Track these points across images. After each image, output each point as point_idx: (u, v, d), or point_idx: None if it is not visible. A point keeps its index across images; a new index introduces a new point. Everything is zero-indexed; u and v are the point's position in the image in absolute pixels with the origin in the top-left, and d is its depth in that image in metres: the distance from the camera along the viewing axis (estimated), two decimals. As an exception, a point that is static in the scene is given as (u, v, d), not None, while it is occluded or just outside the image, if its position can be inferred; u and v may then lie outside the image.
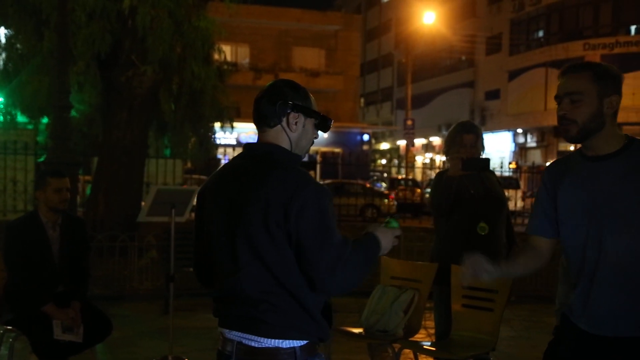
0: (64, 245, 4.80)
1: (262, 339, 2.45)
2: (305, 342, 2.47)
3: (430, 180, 23.75)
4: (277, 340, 2.44)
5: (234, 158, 2.69)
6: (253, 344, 2.46)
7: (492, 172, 4.91)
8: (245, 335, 2.48)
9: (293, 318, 2.45)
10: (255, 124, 2.64)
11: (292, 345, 2.45)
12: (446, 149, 4.87)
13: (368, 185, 24.61)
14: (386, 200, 23.24)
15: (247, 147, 2.66)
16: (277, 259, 2.42)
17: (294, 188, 2.42)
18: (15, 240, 4.68)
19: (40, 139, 14.38)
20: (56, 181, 4.75)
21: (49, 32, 10.68)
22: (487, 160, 4.61)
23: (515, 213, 22.85)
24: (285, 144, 2.60)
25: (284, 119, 2.58)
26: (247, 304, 2.46)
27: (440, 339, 4.97)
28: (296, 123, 2.60)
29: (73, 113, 9.98)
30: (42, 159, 9.15)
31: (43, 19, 10.90)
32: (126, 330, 6.82)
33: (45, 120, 13.94)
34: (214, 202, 2.59)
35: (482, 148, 4.81)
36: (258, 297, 2.44)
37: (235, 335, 2.51)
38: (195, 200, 2.86)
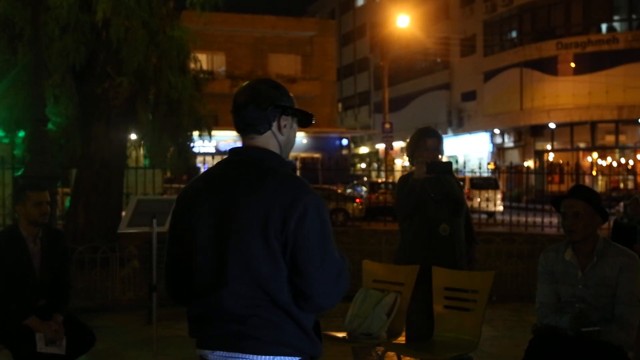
0: (45, 259, 4.78)
1: (250, 356, 2.28)
2: (297, 358, 2.32)
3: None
4: (266, 357, 2.28)
5: (219, 165, 2.48)
6: None
7: (453, 175, 5.18)
8: (231, 354, 2.30)
9: (286, 334, 2.29)
10: (240, 131, 2.45)
11: None
12: (410, 153, 5.09)
13: (340, 190, 24.68)
14: (354, 204, 23.38)
15: (234, 152, 2.46)
16: (271, 272, 2.26)
17: (294, 196, 2.27)
18: (-4, 255, 4.66)
19: (17, 152, 14.25)
20: (36, 195, 4.74)
21: (23, 46, 10.62)
22: (450, 164, 4.95)
23: (494, 213, 23.05)
24: (275, 148, 2.44)
25: (275, 124, 2.43)
26: (233, 320, 2.27)
27: (413, 339, 5.02)
28: (285, 126, 2.46)
29: (50, 126, 9.92)
30: (19, 173, 9.08)
31: (16, 32, 10.85)
32: (110, 341, 6.79)
33: (21, 133, 13.81)
34: (198, 211, 2.37)
35: (442, 152, 5.08)
36: (245, 313, 2.26)
37: (219, 355, 2.33)
38: None
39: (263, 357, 2.28)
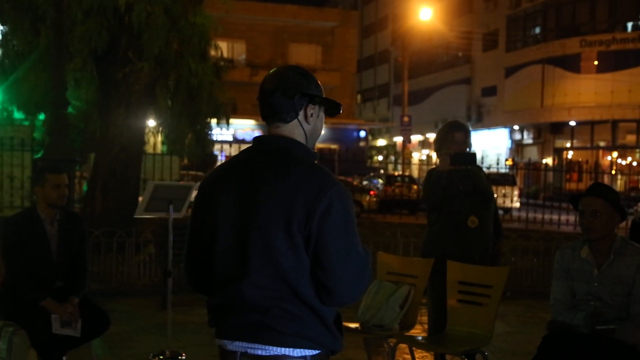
0: (62, 241, 4.82)
1: (270, 348, 2.25)
2: (316, 351, 2.29)
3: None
4: (285, 349, 2.25)
5: (243, 153, 2.42)
6: (259, 352, 2.26)
7: (480, 168, 5.21)
8: (250, 345, 2.27)
9: (307, 327, 2.26)
10: (266, 119, 2.39)
11: (303, 354, 2.27)
12: (437, 147, 5.07)
13: (355, 182, 24.65)
14: (368, 197, 23.34)
15: (259, 141, 2.40)
16: (293, 264, 2.22)
17: (319, 187, 2.22)
18: (14, 235, 4.71)
19: (37, 135, 14.37)
20: (54, 177, 4.77)
21: (46, 29, 10.67)
22: (474, 155, 4.91)
23: (511, 209, 22.94)
24: (301, 138, 2.37)
25: (301, 112, 2.37)
26: (255, 310, 2.24)
27: (433, 331, 5.03)
28: (312, 115, 2.39)
29: (70, 109, 10.00)
30: (38, 156, 9.15)
31: (39, 15, 10.89)
32: (124, 325, 6.85)
33: (42, 116, 13.96)
34: (221, 200, 2.32)
35: (470, 146, 5.04)
36: (267, 304, 2.23)
37: (238, 346, 2.30)
38: (193, 196, 2.59)
39: (283, 348, 2.25)
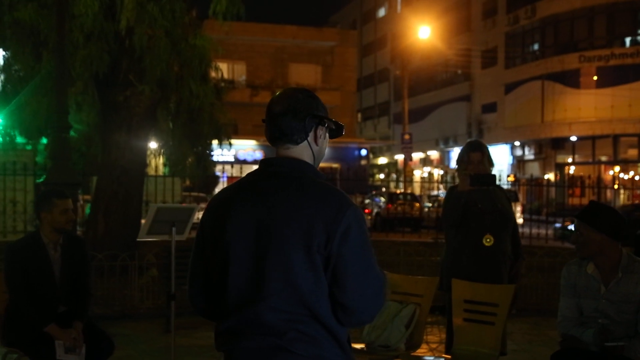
0: (65, 266, 4.80)
1: None
2: None
3: (429, 194, 23.79)
4: None
5: (252, 175, 2.41)
6: None
7: (501, 189, 5.33)
8: None
9: (324, 349, 2.24)
10: (275, 140, 2.38)
11: None
12: (457, 167, 5.22)
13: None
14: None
15: (268, 163, 2.38)
16: (313, 286, 2.21)
17: (338, 208, 2.22)
18: (17, 261, 4.68)
19: (39, 159, 14.41)
20: (62, 202, 4.75)
21: (47, 53, 10.72)
22: (493, 177, 4.99)
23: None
24: (309, 159, 2.38)
25: (311, 134, 2.38)
26: (272, 333, 2.22)
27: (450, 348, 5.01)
28: (320, 136, 2.40)
29: (72, 133, 10.01)
30: (41, 180, 9.16)
31: (41, 40, 10.95)
32: (128, 349, 6.81)
33: (44, 140, 13.97)
34: (235, 221, 2.29)
35: (492, 164, 5.17)
36: (285, 327, 2.21)
37: None
38: (196, 218, 2.62)
39: None
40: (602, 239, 3.87)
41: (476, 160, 5.06)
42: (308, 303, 2.22)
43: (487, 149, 5.22)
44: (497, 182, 5.18)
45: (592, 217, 3.91)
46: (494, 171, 5.25)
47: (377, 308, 2.31)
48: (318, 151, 2.42)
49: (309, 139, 2.38)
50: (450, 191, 5.29)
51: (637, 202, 26.90)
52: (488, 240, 4.97)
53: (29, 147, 14.93)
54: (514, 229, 5.21)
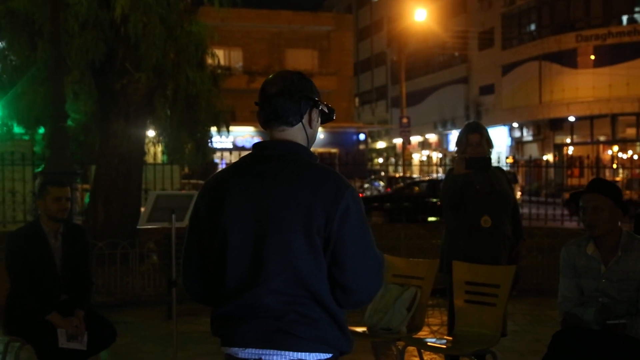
0: (66, 254, 4.81)
1: (286, 353, 2.22)
2: (330, 355, 2.28)
3: (429, 177, 23.79)
4: (302, 353, 2.23)
5: (246, 159, 2.38)
6: (275, 357, 2.23)
7: (501, 170, 5.35)
8: (264, 351, 2.24)
9: (324, 331, 2.25)
10: (269, 122, 2.36)
11: (318, 359, 2.25)
12: (457, 149, 5.22)
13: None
14: None
15: (262, 146, 2.36)
16: (312, 267, 2.21)
17: (336, 189, 2.23)
18: (18, 250, 4.69)
19: (37, 149, 14.38)
20: (56, 190, 4.76)
21: (43, 43, 10.68)
22: (489, 159, 5.00)
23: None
24: (303, 141, 2.38)
25: (305, 116, 2.37)
26: (271, 316, 2.22)
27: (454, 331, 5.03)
28: (314, 119, 2.40)
29: (69, 122, 9.99)
30: (39, 169, 9.15)
31: (36, 29, 10.90)
32: (130, 336, 6.83)
33: (41, 130, 13.96)
34: (232, 205, 2.28)
35: (491, 146, 5.16)
36: (284, 309, 2.21)
37: (251, 353, 2.26)
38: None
39: (299, 353, 2.23)
40: (612, 205, 3.85)
41: (475, 142, 5.05)
42: (308, 285, 2.22)
43: (485, 130, 5.21)
44: (497, 164, 5.20)
45: (600, 186, 3.92)
46: (494, 152, 5.24)
47: (376, 288, 2.32)
48: (312, 134, 2.41)
49: (303, 121, 2.36)
50: (448, 174, 5.30)
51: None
52: (486, 221, 4.97)
53: (26, 137, 14.91)
54: (514, 210, 5.20)
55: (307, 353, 2.24)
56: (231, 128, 14.73)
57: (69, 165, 8.93)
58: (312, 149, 2.43)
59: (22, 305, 4.65)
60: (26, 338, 4.68)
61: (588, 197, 3.91)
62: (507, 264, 5.02)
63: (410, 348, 5.22)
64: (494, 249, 5.02)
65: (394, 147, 52.12)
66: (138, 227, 6.23)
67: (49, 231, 4.78)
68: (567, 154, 36.28)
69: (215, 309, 2.36)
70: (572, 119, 36.04)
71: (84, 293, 4.85)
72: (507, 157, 32.11)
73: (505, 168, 23.49)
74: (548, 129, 37.82)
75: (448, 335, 5.13)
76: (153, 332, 7.18)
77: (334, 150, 36.45)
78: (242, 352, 2.28)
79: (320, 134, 43.21)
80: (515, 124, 40.03)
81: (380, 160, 54.27)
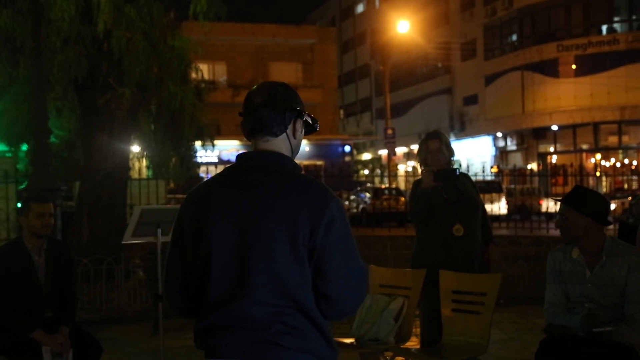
0: (50, 271, 4.76)
1: None
2: None
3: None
4: None
5: (230, 170, 2.37)
6: None
7: (468, 177, 5.29)
8: None
9: (309, 341, 2.24)
10: (254, 133, 2.36)
11: None
12: (420, 160, 5.20)
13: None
14: None
15: (247, 157, 2.36)
16: (297, 278, 2.20)
17: (321, 200, 2.23)
18: (1, 267, 4.65)
19: (20, 166, 14.27)
20: (39, 206, 4.72)
21: (24, 59, 10.63)
22: (455, 171, 4.99)
23: (499, 217, 23.00)
24: (287, 152, 2.37)
25: (290, 127, 2.37)
26: (257, 327, 2.20)
27: (427, 342, 5.01)
28: (298, 130, 2.40)
29: (52, 139, 9.94)
30: (23, 186, 9.08)
31: (17, 46, 10.86)
32: (116, 353, 6.77)
33: (24, 147, 13.87)
34: (216, 216, 2.26)
35: (452, 153, 5.13)
36: (270, 320, 2.20)
37: None
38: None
39: None
40: (587, 223, 3.88)
41: (435, 148, 5.04)
42: (294, 295, 2.21)
43: (445, 137, 5.20)
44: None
45: (578, 201, 3.93)
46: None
47: (360, 299, 2.32)
48: (296, 144, 2.41)
49: (287, 131, 2.37)
50: (415, 186, 5.21)
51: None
52: (458, 230, 4.95)
53: (9, 155, 14.80)
54: (483, 215, 5.19)
55: None
56: (216, 142, 14.75)
57: (53, 182, 8.87)
58: (297, 161, 2.43)
59: (5, 322, 4.60)
60: (10, 356, 4.62)
61: (564, 207, 3.95)
62: (480, 270, 5.03)
63: (399, 358, 5.21)
64: (467, 257, 5.00)
65: (379, 158, 52.20)
66: (123, 242, 6.17)
67: (32, 248, 4.74)
68: (550, 162, 36.50)
69: (199, 321, 2.33)
70: (555, 128, 36.29)
71: (68, 310, 4.80)
72: (491, 167, 32.26)
73: (490, 178, 23.60)
74: (531, 138, 38.04)
75: (421, 346, 5.13)
76: (140, 348, 7.12)
77: (319, 162, 36.48)
78: None
79: (306, 146, 43.35)
80: (499, 134, 40.23)
81: (366, 171, 54.32)
